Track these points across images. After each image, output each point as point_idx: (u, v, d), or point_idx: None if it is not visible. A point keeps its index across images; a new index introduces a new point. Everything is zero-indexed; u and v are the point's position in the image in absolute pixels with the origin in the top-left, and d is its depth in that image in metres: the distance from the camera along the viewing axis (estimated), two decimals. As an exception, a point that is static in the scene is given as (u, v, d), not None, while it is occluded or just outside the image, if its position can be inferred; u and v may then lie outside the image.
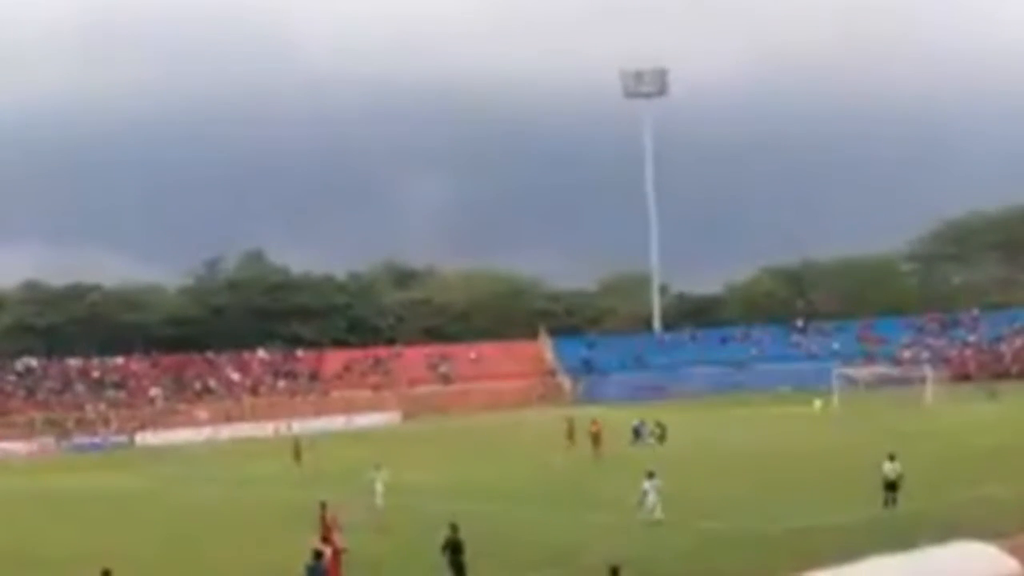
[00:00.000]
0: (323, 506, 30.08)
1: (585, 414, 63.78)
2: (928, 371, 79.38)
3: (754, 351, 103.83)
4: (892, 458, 33.20)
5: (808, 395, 77.93)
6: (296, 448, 56.52)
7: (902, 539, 22.54)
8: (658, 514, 32.46)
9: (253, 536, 33.60)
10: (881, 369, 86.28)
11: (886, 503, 32.60)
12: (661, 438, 58.70)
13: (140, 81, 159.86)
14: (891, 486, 32.79)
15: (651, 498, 32.72)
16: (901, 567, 17.76)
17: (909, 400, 72.90)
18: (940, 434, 54.67)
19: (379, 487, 37.39)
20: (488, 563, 26.06)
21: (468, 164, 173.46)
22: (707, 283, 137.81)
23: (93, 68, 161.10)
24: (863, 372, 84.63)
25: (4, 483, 57.81)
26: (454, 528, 25.27)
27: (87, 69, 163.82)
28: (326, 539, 29.06)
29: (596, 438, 54.77)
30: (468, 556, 25.11)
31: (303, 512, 31.60)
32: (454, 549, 24.97)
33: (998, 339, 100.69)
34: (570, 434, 58.02)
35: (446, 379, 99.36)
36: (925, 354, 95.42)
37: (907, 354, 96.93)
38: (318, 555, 24.09)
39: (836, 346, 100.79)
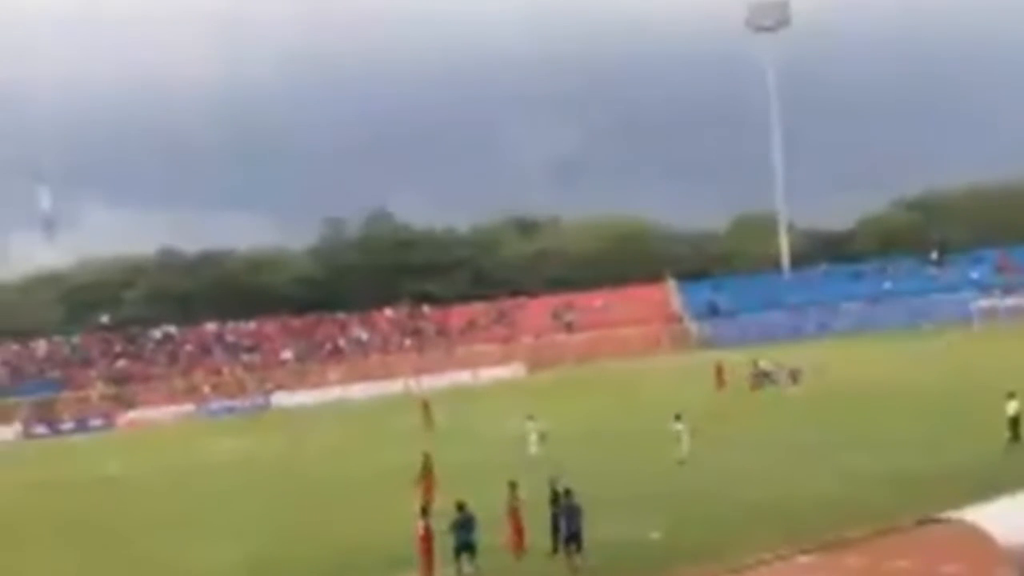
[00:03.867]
0: (426, 457, 31.29)
1: (716, 359, 62.40)
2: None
3: (889, 285, 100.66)
4: (1012, 395, 32.91)
5: (947, 328, 75.27)
6: (425, 410, 56.05)
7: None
8: (684, 453, 34.17)
9: (380, 504, 33.26)
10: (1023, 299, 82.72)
11: (1011, 440, 32.19)
12: (794, 379, 56.87)
13: (264, 50, 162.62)
14: (1014, 423, 32.44)
15: (685, 439, 34.61)
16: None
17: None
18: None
19: (533, 437, 39.34)
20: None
21: (588, 109, 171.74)
22: (835, 219, 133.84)
23: (223, 40, 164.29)
24: (1004, 302, 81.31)
25: (147, 451, 59.83)
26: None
27: (217, 42, 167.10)
28: (427, 491, 29.30)
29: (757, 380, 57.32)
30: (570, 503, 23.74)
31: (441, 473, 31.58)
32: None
33: None
34: (720, 379, 57.94)
35: (571, 328, 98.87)
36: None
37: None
38: (460, 507, 23.18)
39: (975, 276, 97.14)
